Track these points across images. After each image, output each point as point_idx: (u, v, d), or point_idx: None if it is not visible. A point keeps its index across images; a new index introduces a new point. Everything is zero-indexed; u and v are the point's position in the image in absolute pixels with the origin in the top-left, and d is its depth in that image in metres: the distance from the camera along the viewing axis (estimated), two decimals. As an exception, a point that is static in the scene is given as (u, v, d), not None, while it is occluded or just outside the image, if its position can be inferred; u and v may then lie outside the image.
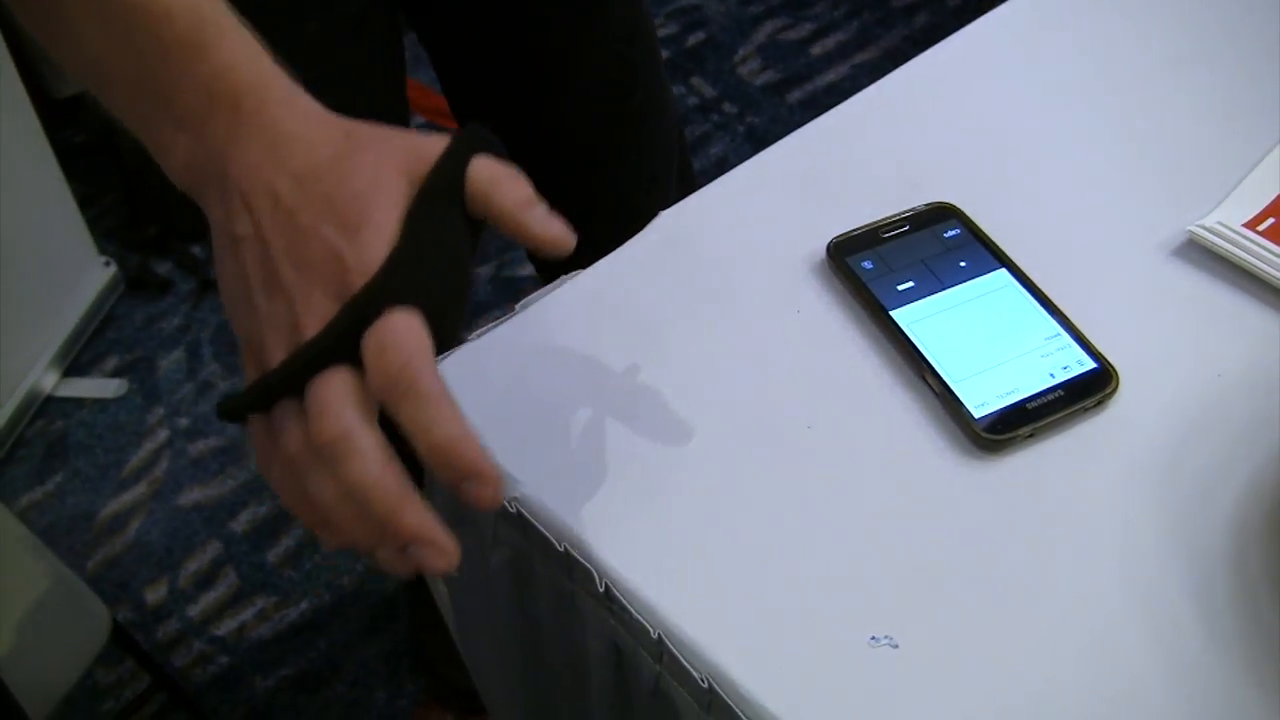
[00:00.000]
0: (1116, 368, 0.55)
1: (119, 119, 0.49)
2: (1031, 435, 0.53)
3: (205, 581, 1.70)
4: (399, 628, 1.59)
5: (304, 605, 1.64)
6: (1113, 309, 0.58)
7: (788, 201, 0.67)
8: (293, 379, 0.43)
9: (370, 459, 0.41)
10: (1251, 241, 0.60)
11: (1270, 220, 0.62)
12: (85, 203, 2.07)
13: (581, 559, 0.51)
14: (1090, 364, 0.55)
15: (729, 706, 0.46)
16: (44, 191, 2.01)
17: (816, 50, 2.59)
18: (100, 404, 1.99)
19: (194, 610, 1.66)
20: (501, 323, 0.62)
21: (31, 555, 1.13)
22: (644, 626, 0.49)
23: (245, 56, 0.47)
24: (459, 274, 0.46)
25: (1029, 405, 0.53)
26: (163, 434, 1.92)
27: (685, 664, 0.47)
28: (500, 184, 0.46)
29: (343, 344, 0.42)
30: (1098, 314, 0.57)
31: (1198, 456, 0.52)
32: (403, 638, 1.58)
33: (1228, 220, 0.62)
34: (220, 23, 0.47)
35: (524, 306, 0.63)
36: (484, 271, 2.05)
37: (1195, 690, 0.45)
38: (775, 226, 0.65)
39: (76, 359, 2.07)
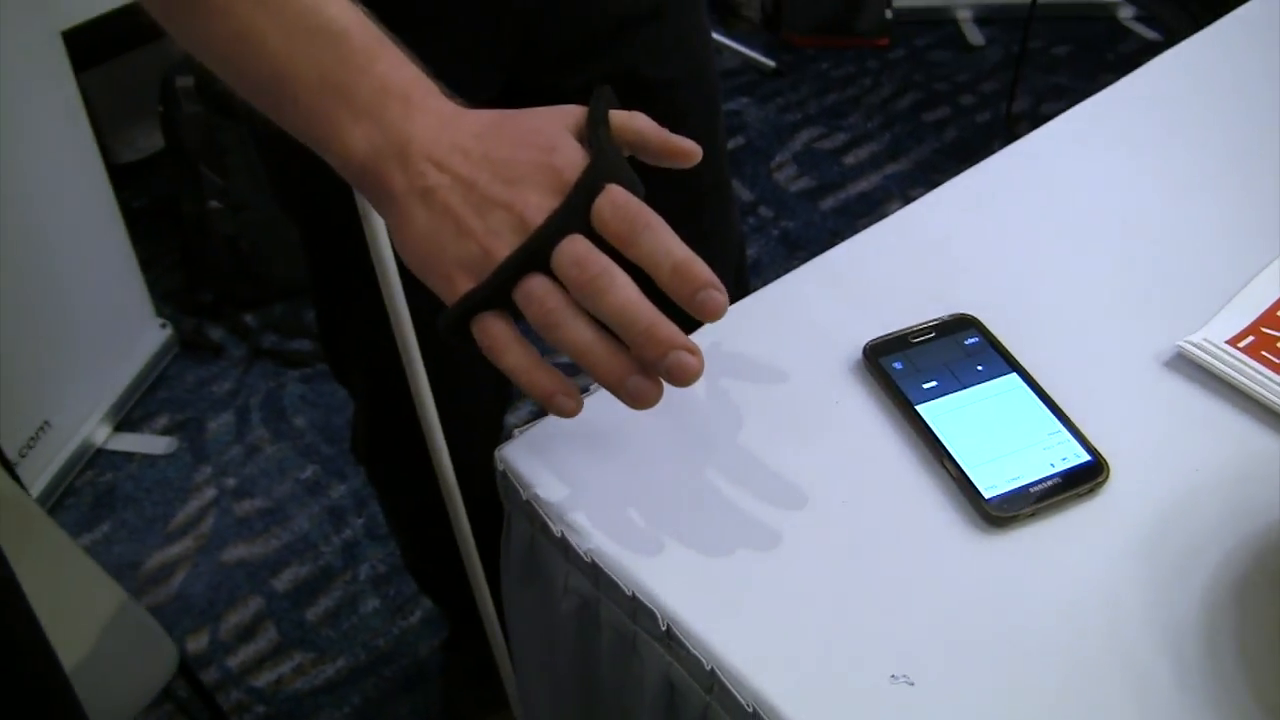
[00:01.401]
0: (1108, 460, 0.64)
1: (287, 124, 0.60)
2: (1033, 514, 0.62)
3: (245, 634, 1.77)
4: (431, 689, 1.66)
5: (340, 663, 1.71)
6: (1108, 410, 0.67)
7: (829, 308, 0.76)
8: (535, 254, 0.53)
9: (630, 285, 0.53)
10: (1232, 357, 0.69)
11: (1250, 338, 0.71)
12: (144, 265, 2.18)
13: (647, 603, 0.60)
14: (1086, 456, 0.64)
15: (771, 730, 0.55)
16: (110, 253, 2.11)
17: (850, 160, 2.71)
18: (149, 459, 2.08)
19: (233, 661, 1.74)
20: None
21: (102, 589, 1.21)
22: (699, 660, 0.58)
23: (405, 63, 0.59)
24: (631, 173, 0.57)
25: (1032, 489, 0.62)
26: (210, 492, 2.01)
27: (733, 692, 0.56)
28: (637, 117, 0.60)
29: (576, 216, 0.53)
30: (1094, 414, 0.67)
31: (1176, 540, 0.61)
32: (434, 698, 1.65)
33: (1213, 337, 0.71)
34: (382, 38, 0.59)
35: (597, 386, 0.72)
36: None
37: (1165, 735, 0.53)
38: (818, 330, 0.75)
39: (129, 415, 2.16)
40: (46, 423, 1.96)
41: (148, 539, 1.93)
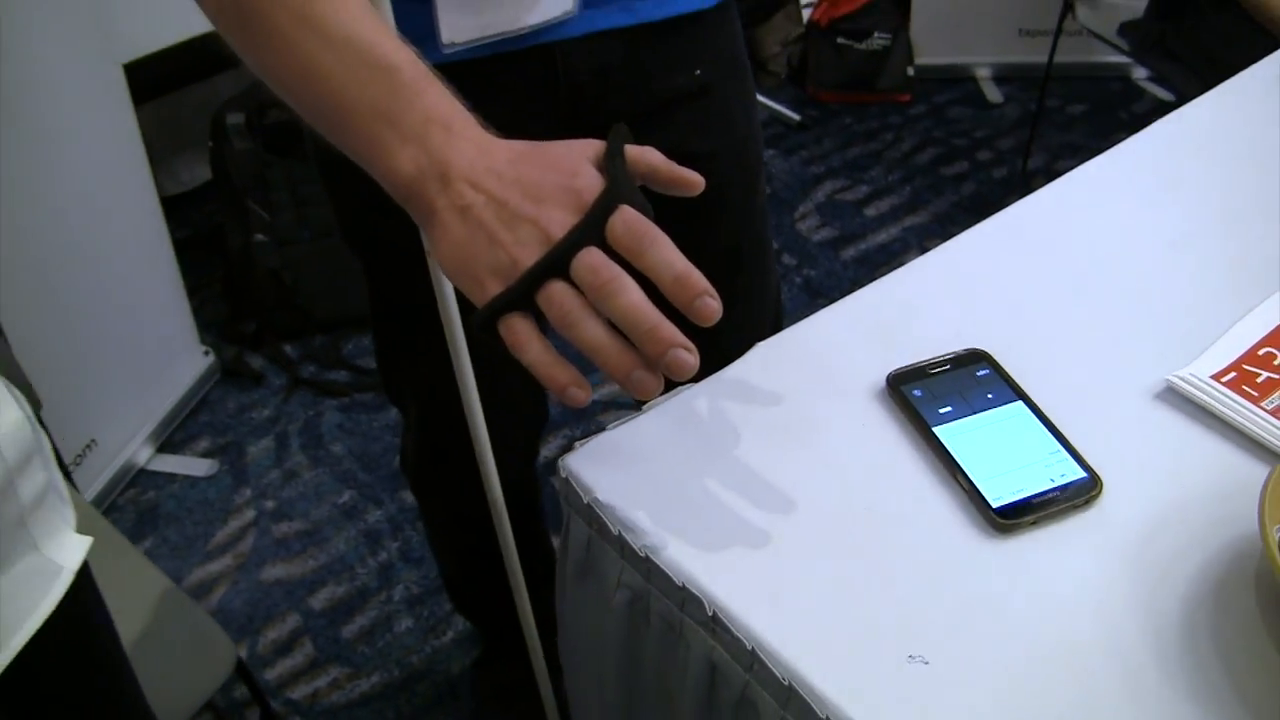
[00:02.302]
0: (1102, 477, 0.72)
1: (343, 146, 0.69)
2: (1035, 522, 0.70)
3: (283, 649, 1.85)
4: (462, 706, 1.73)
5: (375, 678, 1.79)
6: (1103, 434, 0.76)
7: (856, 344, 0.85)
8: (556, 262, 0.63)
9: (638, 290, 0.62)
10: (1216, 389, 0.78)
11: (1233, 374, 0.79)
12: (188, 294, 2.27)
13: (695, 591, 0.69)
14: (1082, 473, 0.72)
15: (804, 700, 0.63)
16: (159, 281, 2.20)
17: (871, 211, 2.81)
18: (190, 480, 2.17)
19: (271, 674, 1.81)
20: (634, 417, 0.80)
21: (159, 589, 1.29)
22: (741, 641, 0.66)
23: (448, 97, 0.68)
24: (642, 198, 0.66)
25: (1034, 501, 0.71)
26: (249, 513, 2.09)
27: (771, 668, 0.64)
28: (649, 152, 0.70)
29: (593, 231, 0.63)
30: (1091, 437, 0.75)
31: (1161, 545, 0.69)
32: (465, 714, 1.73)
33: (1199, 372, 0.79)
34: (429, 74, 0.68)
35: (649, 407, 0.81)
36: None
37: (1147, 713, 0.61)
38: (846, 362, 0.83)
39: (171, 437, 2.25)
40: (93, 440, 2.05)
41: (189, 556, 2.02)
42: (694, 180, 0.71)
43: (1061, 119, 3.12)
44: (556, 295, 0.63)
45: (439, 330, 1.02)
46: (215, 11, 0.69)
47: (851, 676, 0.63)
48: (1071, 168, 1.03)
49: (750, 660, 0.66)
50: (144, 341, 2.18)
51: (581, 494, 0.76)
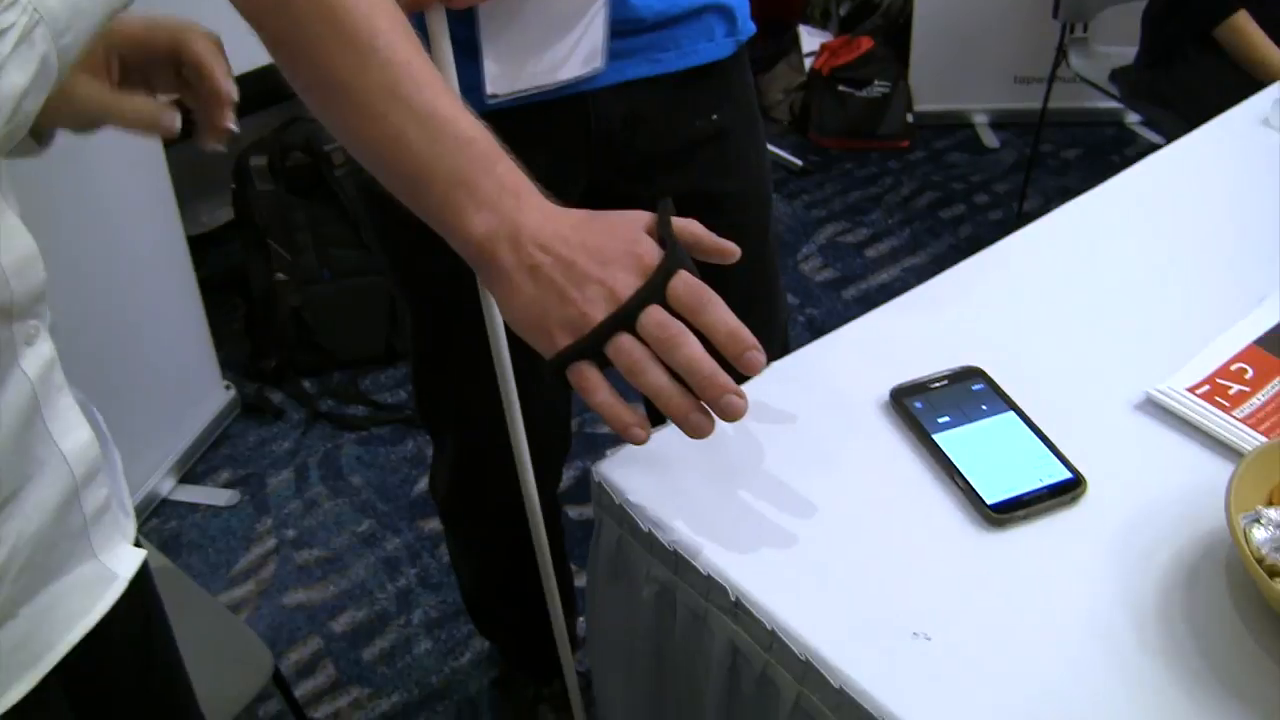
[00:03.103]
0: (1087, 477, 0.80)
1: (420, 209, 0.75)
2: (1025, 517, 0.78)
3: (305, 670, 1.91)
4: (481, 723, 1.80)
5: (395, 698, 1.85)
6: (1089, 440, 0.83)
7: (862, 363, 0.93)
8: (627, 318, 0.70)
9: (698, 344, 0.70)
10: (1191, 401, 0.86)
11: (1207, 387, 0.87)
12: (211, 331, 2.34)
13: (719, 579, 0.76)
14: (1068, 474, 0.80)
15: (819, 674, 0.70)
16: (184, 319, 2.27)
17: (871, 253, 2.89)
18: (213, 510, 2.23)
19: (295, 694, 1.87)
20: (660, 429, 0.87)
21: (199, 601, 1.35)
22: (761, 623, 0.73)
23: (516, 169, 0.75)
24: (692, 263, 0.74)
25: (1024, 498, 0.78)
26: (271, 541, 2.16)
27: (790, 646, 0.71)
28: (692, 224, 0.77)
29: (657, 292, 0.70)
30: (1077, 443, 0.83)
31: (1140, 536, 0.76)
32: (483, 732, 1.79)
33: (1176, 385, 0.87)
34: (499, 147, 0.75)
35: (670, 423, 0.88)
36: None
37: (1130, 687, 0.68)
38: (853, 379, 0.91)
39: (192, 469, 2.31)
40: (121, 472, 2.11)
41: (212, 583, 2.08)
42: (731, 250, 0.78)
43: (1056, 163, 3.22)
44: (626, 346, 0.70)
45: (481, 364, 1.10)
46: (304, 88, 0.76)
47: (862, 652, 0.70)
48: (1065, 210, 1.11)
49: (770, 640, 0.73)
50: (168, 376, 2.25)
51: (614, 496, 0.83)
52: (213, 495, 2.27)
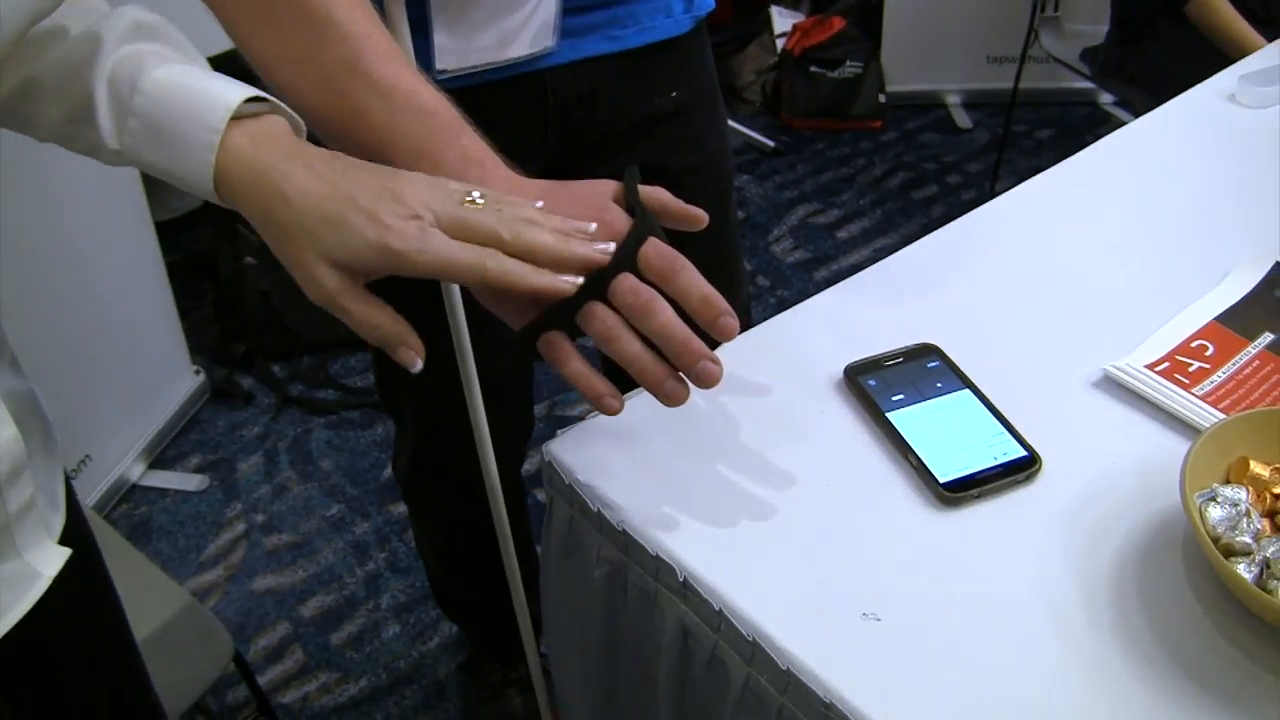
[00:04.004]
0: (1042, 455, 0.79)
1: None
2: (979, 496, 0.77)
3: (274, 656, 1.90)
4: (450, 706, 1.79)
5: (363, 682, 1.84)
6: (1044, 417, 0.82)
7: (816, 339, 0.92)
8: (601, 285, 0.69)
9: (671, 310, 0.69)
10: (1150, 378, 0.85)
11: (1166, 364, 0.86)
12: (180, 316, 2.33)
13: (668, 560, 0.75)
14: (1022, 451, 0.79)
15: (768, 655, 0.69)
16: (152, 304, 2.26)
17: (842, 234, 2.89)
18: (182, 495, 2.22)
19: (262, 679, 1.85)
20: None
21: (160, 586, 1.34)
22: (709, 603, 0.72)
23: (479, 139, 0.75)
24: (661, 230, 0.74)
25: (978, 476, 0.77)
26: (240, 526, 2.14)
27: (737, 626, 0.70)
28: (659, 191, 0.76)
29: (628, 259, 0.70)
30: (1033, 420, 0.82)
31: (1095, 514, 0.76)
32: (452, 716, 1.77)
33: (1135, 362, 0.86)
34: (461, 119, 0.75)
35: (630, 396, 0.87)
36: (539, 409, 2.30)
37: (1081, 664, 0.68)
38: (807, 356, 0.90)
39: (162, 454, 2.30)
40: (88, 456, 2.10)
41: (181, 568, 2.06)
42: (699, 216, 0.78)
43: (1029, 143, 3.21)
44: (599, 314, 0.70)
45: (440, 343, 1.09)
46: (264, 66, 0.75)
47: (810, 633, 0.69)
48: (1039, 192, 1.11)
49: (718, 621, 0.72)
50: (137, 361, 2.24)
51: (563, 476, 0.82)
52: (182, 480, 2.25)
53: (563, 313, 0.70)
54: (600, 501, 0.80)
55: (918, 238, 1.04)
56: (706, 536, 0.76)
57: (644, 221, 0.72)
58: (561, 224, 0.70)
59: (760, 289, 2.69)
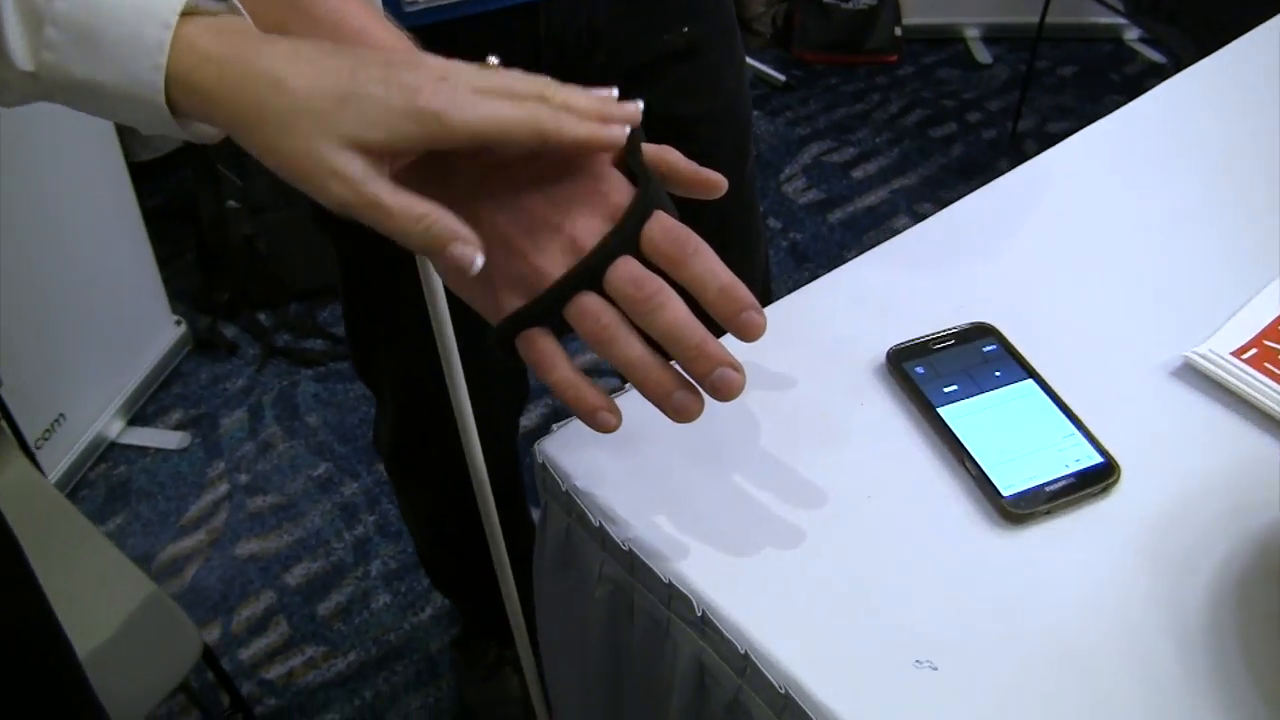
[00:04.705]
0: (1120, 462, 0.67)
1: None
2: (1049, 513, 0.65)
3: (258, 628, 1.80)
4: (441, 684, 1.69)
5: (351, 657, 1.74)
6: (1118, 415, 0.71)
7: (852, 316, 0.80)
8: (592, 274, 0.56)
9: (682, 304, 0.56)
10: (1236, 367, 0.73)
11: (1254, 350, 0.75)
12: (159, 263, 2.21)
13: (682, 588, 0.64)
14: (1098, 458, 0.68)
15: (801, 709, 0.58)
16: (127, 250, 2.14)
17: (858, 174, 2.75)
18: (163, 454, 2.11)
19: (245, 654, 1.76)
20: (615, 396, 0.75)
21: (125, 575, 1.24)
22: (733, 644, 0.61)
23: None
24: (671, 202, 0.61)
25: (1047, 488, 0.66)
26: (223, 487, 2.04)
27: (766, 674, 0.59)
28: (667, 151, 0.63)
29: (629, 239, 0.57)
30: (1106, 418, 0.70)
31: (1182, 537, 0.64)
32: (444, 693, 1.68)
33: (1218, 348, 0.75)
34: (421, 56, 0.61)
35: (631, 387, 0.76)
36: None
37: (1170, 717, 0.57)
38: (842, 336, 0.78)
39: (142, 410, 2.19)
40: (61, 415, 1.99)
41: (161, 532, 1.96)
42: (716, 181, 0.64)
43: (1052, 81, 3.06)
44: (591, 309, 0.57)
45: (418, 311, 0.97)
46: None
47: (852, 683, 0.58)
48: (1062, 130, 0.98)
49: (743, 664, 0.61)
50: (113, 312, 2.12)
51: (559, 481, 0.71)
52: (163, 438, 2.15)
53: (546, 307, 0.58)
54: (602, 514, 0.68)
55: (937, 178, 0.91)
56: (728, 561, 0.65)
57: (648, 191, 0.58)
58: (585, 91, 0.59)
59: (771, 232, 2.55)
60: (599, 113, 0.57)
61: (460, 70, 0.55)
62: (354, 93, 0.53)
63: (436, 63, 0.55)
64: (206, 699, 1.70)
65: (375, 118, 0.52)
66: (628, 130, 0.57)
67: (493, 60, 0.58)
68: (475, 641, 1.65)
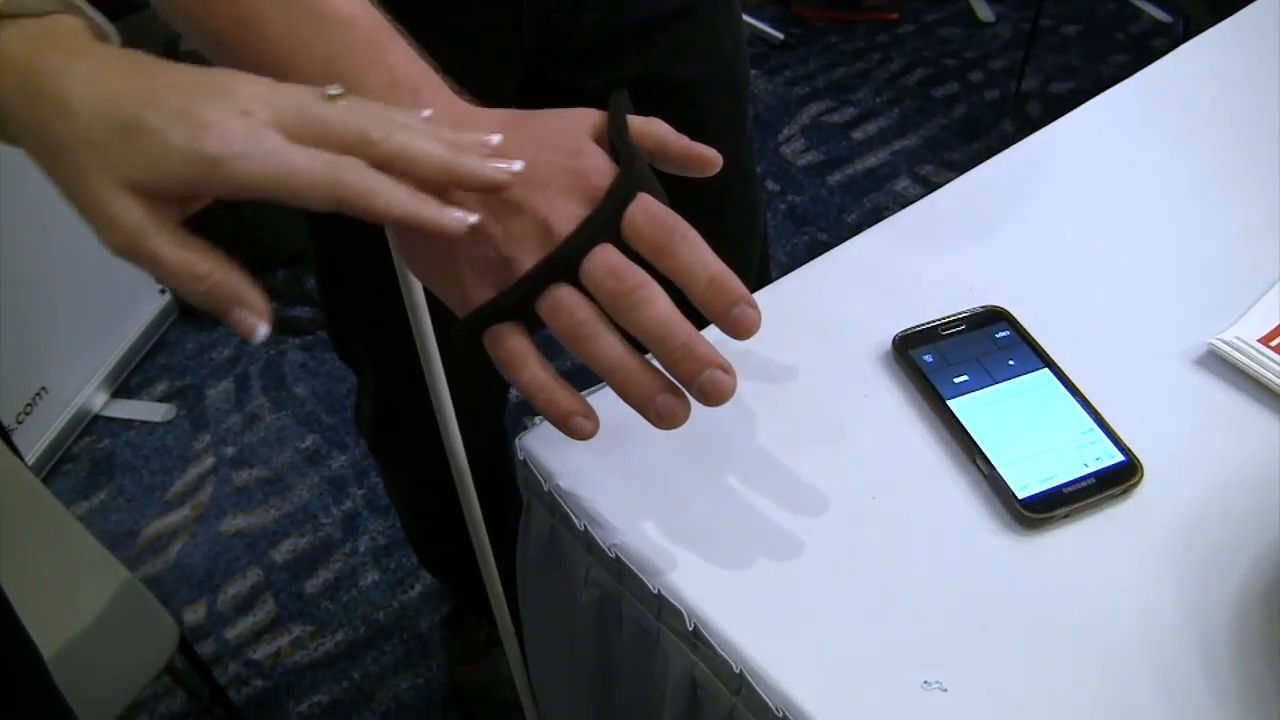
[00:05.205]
0: (1142, 461, 0.63)
1: None
2: (1066, 516, 0.61)
3: (244, 606, 1.76)
4: (432, 664, 1.65)
5: (339, 636, 1.71)
6: (1141, 409, 0.66)
7: (855, 298, 0.75)
8: (566, 263, 0.51)
9: (667, 299, 0.51)
10: (1264, 355, 0.68)
11: (1281, 339, 0.70)
12: (145, 231, 2.15)
13: (673, 600, 0.59)
14: (1119, 457, 0.63)
15: (800, 734, 0.54)
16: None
17: (858, 135, 2.69)
18: (148, 426, 2.07)
19: (231, 633, 1.73)
20: (602, 387, 0.70)
21: (100, 564, 1.20)
22: (726, 662, 0.57)
23: (414, 58, 0.56)
24: (658, 182, 0.55)
25: (1065, 490, 0.61)
26: (208, 461, 2.00)
27: (762, 695, 0.55)
28: (656, 123, 0.58)
29: (608, 224, 0.51)
30: (1128, 413, 0.65)
31: (1207, 540, 0.60)
32: (435, 673, 1.64)
33: (1244, 335, 0.70)
34: (391, 30, 0.56)
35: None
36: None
37: (1201, 745, 0.53)
38: (844, 320, 0.73)
39: (126, 381, 2.14)
40: (43, 388, 1.95)
41: (145, 507, 1.92)
42: (710, 157, 0.59)
43: (1055, 39, 2.99)
44: (566, 303, 0.51)
45: (396, 292, 0.92)
46: None
47: (855, 706, 0.54)
48: (1066, 90, 0.93)
49: (738, 683, 0.57)
50: (96, 282, 2.07)
51: (542, 480, 0.66)
52: (148, 410, 2.10)
53: (515, 300, 0.52)
54: (587, 517, 0.64)
55: (939, 139, 0.86)
56: (722, 569, 0.60)
57: (632, 170, 0.53)
58: (452, 133, 0.51)
59: (769, 194, 2.49)
60: (445, 167, 0.49)
61: (290, 96, 0.48)
62: (137, 125, 0.46)
63: (256, 90, 0.48)
64: (192, 680, 1.66)
65: (151, 157, 0.46)
66: (471, 220, 0.50)
67: (333, 90, 0.50)
68: (466, 621, 1.61)
